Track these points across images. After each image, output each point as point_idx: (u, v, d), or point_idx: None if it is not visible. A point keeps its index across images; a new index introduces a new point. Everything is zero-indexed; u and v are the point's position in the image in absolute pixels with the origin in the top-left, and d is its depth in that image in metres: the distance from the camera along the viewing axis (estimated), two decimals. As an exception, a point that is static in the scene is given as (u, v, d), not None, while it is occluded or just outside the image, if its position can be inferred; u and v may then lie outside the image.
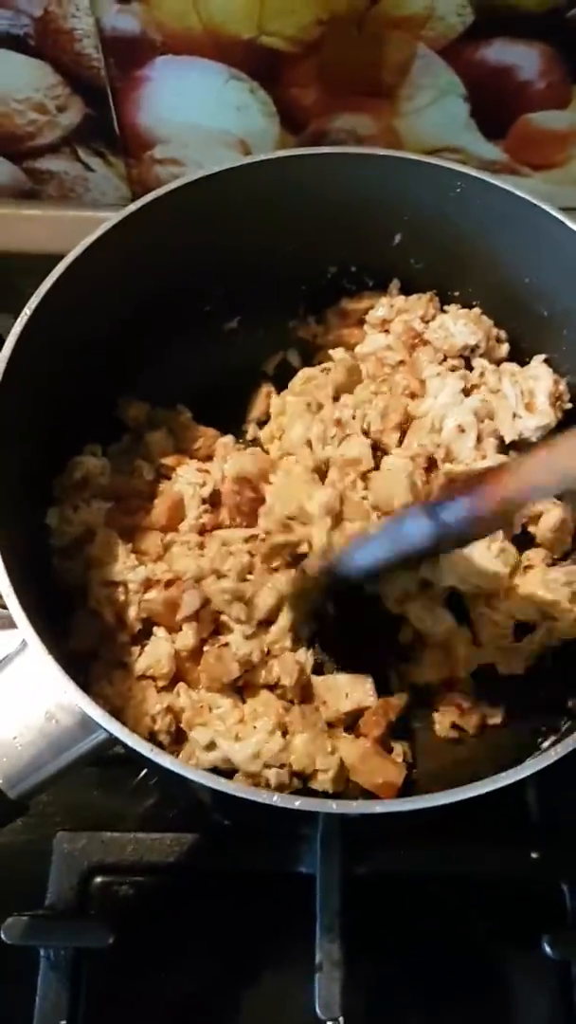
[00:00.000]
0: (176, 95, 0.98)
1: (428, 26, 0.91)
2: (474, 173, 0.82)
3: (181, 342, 0.94)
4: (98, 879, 0.84)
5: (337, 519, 0.82)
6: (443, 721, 0.84)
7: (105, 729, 0.62)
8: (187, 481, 0.87)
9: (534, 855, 0.83)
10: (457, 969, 0.81)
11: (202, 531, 0.86)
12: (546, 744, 0.76)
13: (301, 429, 0.87)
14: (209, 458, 0.92)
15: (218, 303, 0.94)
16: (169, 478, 0.89)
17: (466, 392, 0.88)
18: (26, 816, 0.84)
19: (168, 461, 0.90)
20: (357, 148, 0.84)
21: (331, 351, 0.95)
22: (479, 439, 0.85)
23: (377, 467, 0.87)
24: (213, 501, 0.88)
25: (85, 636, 0.81)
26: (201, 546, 0.84)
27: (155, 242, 0.83)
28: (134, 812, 0.88)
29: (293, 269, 0.92)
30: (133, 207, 0.79)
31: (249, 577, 0.81)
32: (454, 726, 0.84)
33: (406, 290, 0.96)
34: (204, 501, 0.87)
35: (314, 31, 0.91)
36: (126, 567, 0.81)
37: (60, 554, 0.83)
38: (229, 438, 0.93)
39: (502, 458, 0.86)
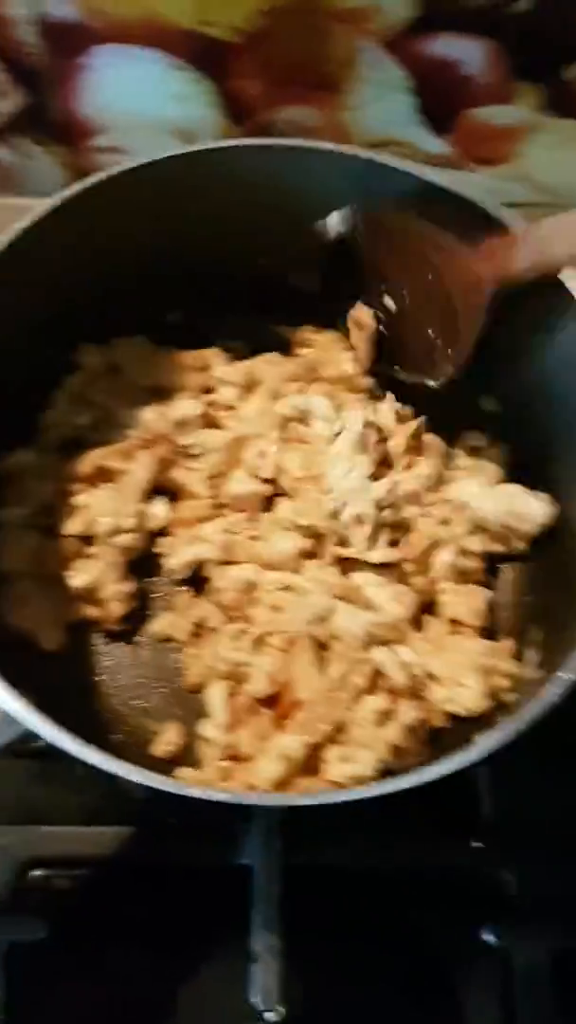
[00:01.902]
0: (117, 84, 0.97)
1: (373, 19, 0.91)
2: (403, 167, 0.82)
3: (120, 333, 0.93)
4: (33, 873, 0.83)
5: None
6: None
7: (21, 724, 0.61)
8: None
9: (477, 845, 0.83)
10: (399, 959, 0.81)
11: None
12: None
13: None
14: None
15: (158, 294, 0.93)
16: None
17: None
18: (-41, 811, 0.85)
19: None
20: (298, 141, 0.83)
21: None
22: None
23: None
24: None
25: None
26: None
27: (91, 230, 0.82)
28: (74, 806, 0.86)
29: (235, 261, 0.91)
30: (68, 193, 0.79)
31: None
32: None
33: (354, 285, 0.95)
34: None
35: (256, 21, 0.91)
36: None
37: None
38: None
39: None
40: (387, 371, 0.90)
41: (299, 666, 0.79)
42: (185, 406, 0.88)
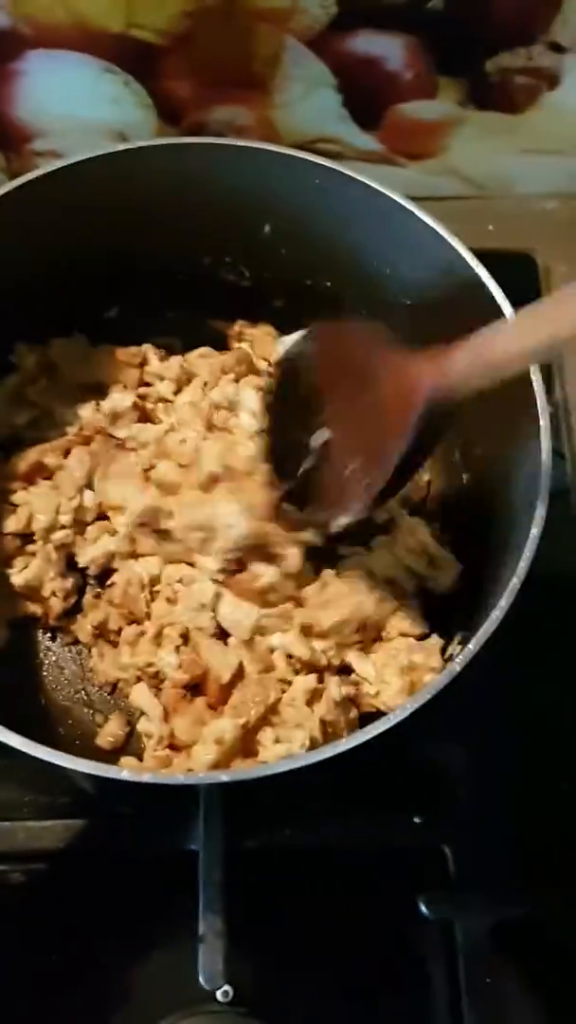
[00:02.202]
0: (51, 88, 0.99)
1: (294, 18, 0.93)
2: (328, 164, 0.83)
3: (58, 332, 0.95)
4: (-11, 869, 0.84)
5: None
6: None
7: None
8: None
9: (416, 820, 0.85)
10: (343, 936, 0.82)
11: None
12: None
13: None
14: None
15: (95, 292, 0.94)
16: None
17: None
18: None
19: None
20: (218, 139, 0.84)
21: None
22: None
23: None
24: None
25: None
26: None
27: (24, 231, 0.82)
28: (24, 801, 0.87)
29: (168, 258, 0.93)
30: (1, 190, 0.79)
31: None
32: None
33: (282, 281, 0.96)
34: None
35: (183, 23, 0.93)
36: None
37: None
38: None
39: None
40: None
41: (207, 653, 0.81)
42: (117, 399, 0.89)
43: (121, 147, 0.82)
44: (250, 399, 0.90)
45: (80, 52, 0.95)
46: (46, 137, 1.04)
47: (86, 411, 0.90)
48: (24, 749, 0.63)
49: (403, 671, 0.80)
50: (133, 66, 0.97)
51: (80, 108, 1.01)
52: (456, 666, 0.63)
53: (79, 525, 0.87)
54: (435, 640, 0.83)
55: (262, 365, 0.95)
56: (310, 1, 0.91)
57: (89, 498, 0.87)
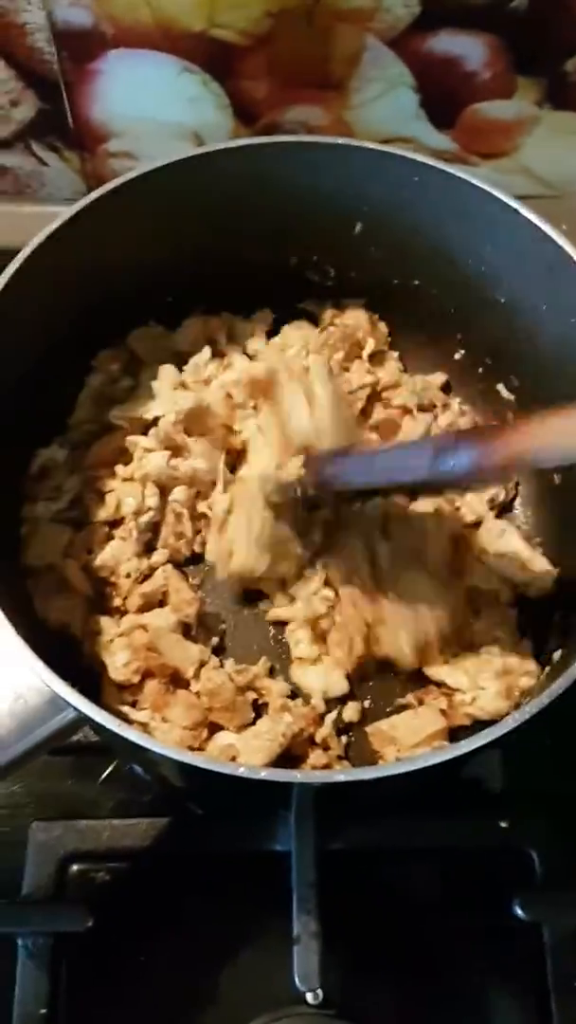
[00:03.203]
0: (129, 88, 0.99)
1: (376, 18, 0.93)
2: (430, 162, 0.83)
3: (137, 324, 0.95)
4: (74, 867, 0.84)
5: None
6: None
7: (73, 707, 0.62)
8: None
9: (503, 824, 0.85)
10: (432, 937, 0.83)
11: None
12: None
13: None
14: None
15: (181, 293, 0.94)
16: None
17: None
18: (-1, 808, 0.86)
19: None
20: (314, 137, 0.85)
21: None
22: None
23: None
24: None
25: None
26: None
27: (113, 234, 0.83)
28: (108, 799, 0.88)
29: (255, 259, 0.93)
30: (87, 200, 0.80)
31: None
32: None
33: (364, 279, 0.97)
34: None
35: (264, 24, 0.93)
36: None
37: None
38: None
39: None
40: None
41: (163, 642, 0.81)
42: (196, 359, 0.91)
43: (213, 148, 0.83)
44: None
45: (160, 52, 0.95)
46: (121, 138, 1.04)
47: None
48: (121, 733, 0.62)
49: (498, 675, 0.80)
50: (212, 66, 0.97)
51: (157, 108, 1.01)
52: (568, 681, 0.63)
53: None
54: (527, 644, 0.83)
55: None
56: (393, 1, 0.91)
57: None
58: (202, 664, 0.81)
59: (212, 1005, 0.81)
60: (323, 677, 0.82)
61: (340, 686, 0.82)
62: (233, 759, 0.76)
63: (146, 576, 0.86)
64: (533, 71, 0.99)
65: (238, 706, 0.79)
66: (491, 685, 0.79)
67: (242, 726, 0.79)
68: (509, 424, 0.75)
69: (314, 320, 1.00)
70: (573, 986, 0.80)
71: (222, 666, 0.83)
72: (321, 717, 0.81)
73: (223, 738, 0.79)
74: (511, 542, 0.85)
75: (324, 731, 0.80)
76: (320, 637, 0.83)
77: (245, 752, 0.76)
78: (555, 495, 0.87)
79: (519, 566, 0.85)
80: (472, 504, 0.88)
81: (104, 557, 0.85)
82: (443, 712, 0.82)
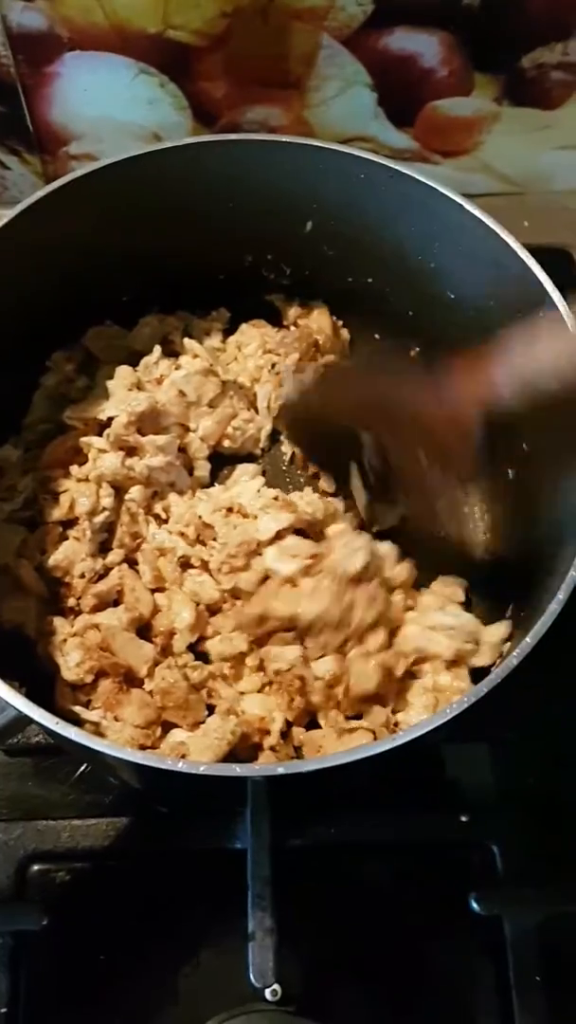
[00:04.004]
0: (87, 90, 0.99)
1: (330, 16, 0.94)
2: (377, 159, 0.83)
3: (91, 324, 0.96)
4: (35, 867, 0.84)
5: None
6: None
7: (13, 707, 0.63)
8: None
9: (463, 819, 0.85)
10: (390, 933, 0.82)
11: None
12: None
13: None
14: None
15: (135, 294, 0.95)
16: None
17: None
18: (-41, 810, 0.86)
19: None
20: (262, 135, 0.86)
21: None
22: None
23: None
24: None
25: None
26: None
27: (67, 231, 0.83)
28: (68, 800, 0.88)
29: (208, 258, 0.93)
30: (32, 199, 0.80)
31: None
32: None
33: (320, 277, 0.98)
34: None
35: (219, 24, 0.93)
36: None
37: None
38: None
39: None
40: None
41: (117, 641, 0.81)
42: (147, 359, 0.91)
43: (161, 146, 0.83)
44: None
45: (116, 54, 0.96)
46: (81, 140, 1.04)
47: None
48: (62, 732, 0.63)
49: (426, 691, 0.80)
50: (169, 67, 0.98)
51: (116, 110, 1.01)
52: (513, 660, 0.63)
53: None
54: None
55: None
56: (346, -1, 0.92)
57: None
58: (156, 663, 0.81)
59: (172, 1003, 0.80)
60: (264, 706, 0.82)
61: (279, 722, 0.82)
62: (183, 757, 0.76)
63: (100, 576, 0.86)
64: (490, 67, 0.99)
65: (191, 704, 0.79)
66: (418, 700, 0.80)
67: (195, 724, 0.79)
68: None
69: (275, 318, 1.00)
70: (534, 980, 0.79)
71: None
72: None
73: (175, 735, 0.79)
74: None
75: (271, 739, 0.80)
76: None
77: (195, 750, 0.76)
78: (509, 489, 0.87)
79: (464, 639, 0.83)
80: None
81: (57, 557, 0.84)
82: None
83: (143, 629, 0.84)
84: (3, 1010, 0.79)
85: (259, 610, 0.81)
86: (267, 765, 0.62)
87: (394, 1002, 0.81)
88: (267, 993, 0.74)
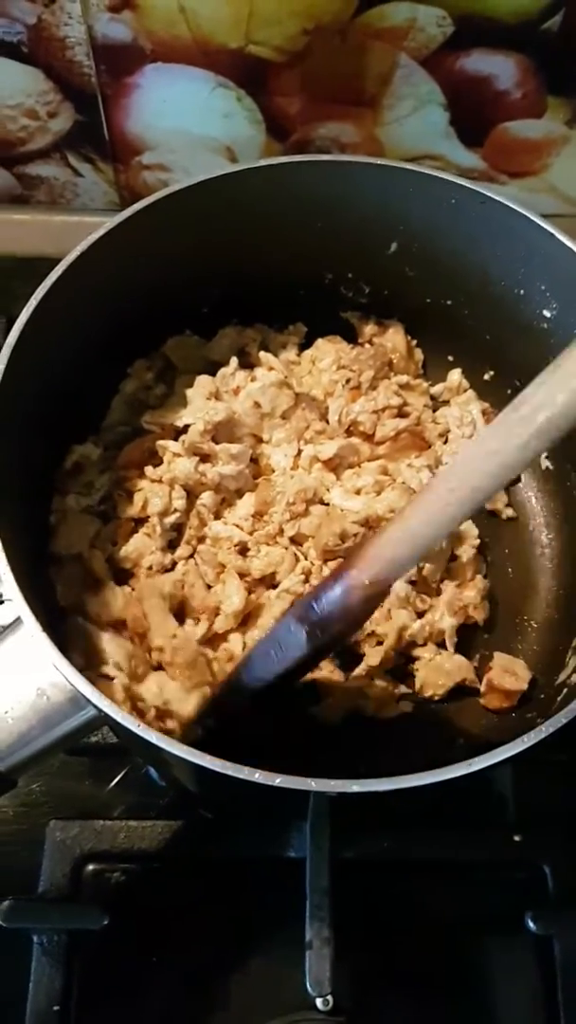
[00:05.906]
0: (164, 102, 1.00)
1: (410, 37, 0.94)
2: (468, 184, 0.84)
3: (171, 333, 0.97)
4: (90, 867, 0.85)
5: None
6: None
7: (95, 706, 0.63)
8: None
9: (517, 838, 0.85)
10: (442, 949, 0.83)
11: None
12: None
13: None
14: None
15: (215, 306, 0.96)
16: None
17: None
18: (18, 806, 0.87)
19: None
20: (348, 156, 0.86)
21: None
22: None
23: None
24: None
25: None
26: None
27: (151, 245, 0.84)
28: (124, 801, 0.89)
29: (289, 275, 0.94)
30: (121, 216, 0.81)
31: None
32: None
33: (398, 297, 0.99)
34: None
35: (299, 41, 0.94)
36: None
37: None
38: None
39: None
40: None
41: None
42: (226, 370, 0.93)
43: (252, 164, 0.84)
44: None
45: (196, 67, 0.97)
46: (155, 150, 1.06)
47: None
48: (141, 734, 0.63)
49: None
50: (246, 82, 0.99)
51: (191, 122, 1.02)
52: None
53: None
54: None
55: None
56: (427, 20, 0.92)
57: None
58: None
59: (222, 1008, 0.81)
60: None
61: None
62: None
63: (167, 570, 0.88)
64: (563, 91, 1.00)
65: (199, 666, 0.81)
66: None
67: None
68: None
69: (350, 334, 1.01)
70: (583, 1002, 0.80)
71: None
72: None
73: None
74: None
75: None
76: None
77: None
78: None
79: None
80: None
81: (128, 549, 0.87)
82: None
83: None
84: (55, 1007, 0.79)
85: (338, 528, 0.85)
86: (341, 781, 0.62)
87: (442, 1019, 0.81)
88: (319, 1003, 0.74)
